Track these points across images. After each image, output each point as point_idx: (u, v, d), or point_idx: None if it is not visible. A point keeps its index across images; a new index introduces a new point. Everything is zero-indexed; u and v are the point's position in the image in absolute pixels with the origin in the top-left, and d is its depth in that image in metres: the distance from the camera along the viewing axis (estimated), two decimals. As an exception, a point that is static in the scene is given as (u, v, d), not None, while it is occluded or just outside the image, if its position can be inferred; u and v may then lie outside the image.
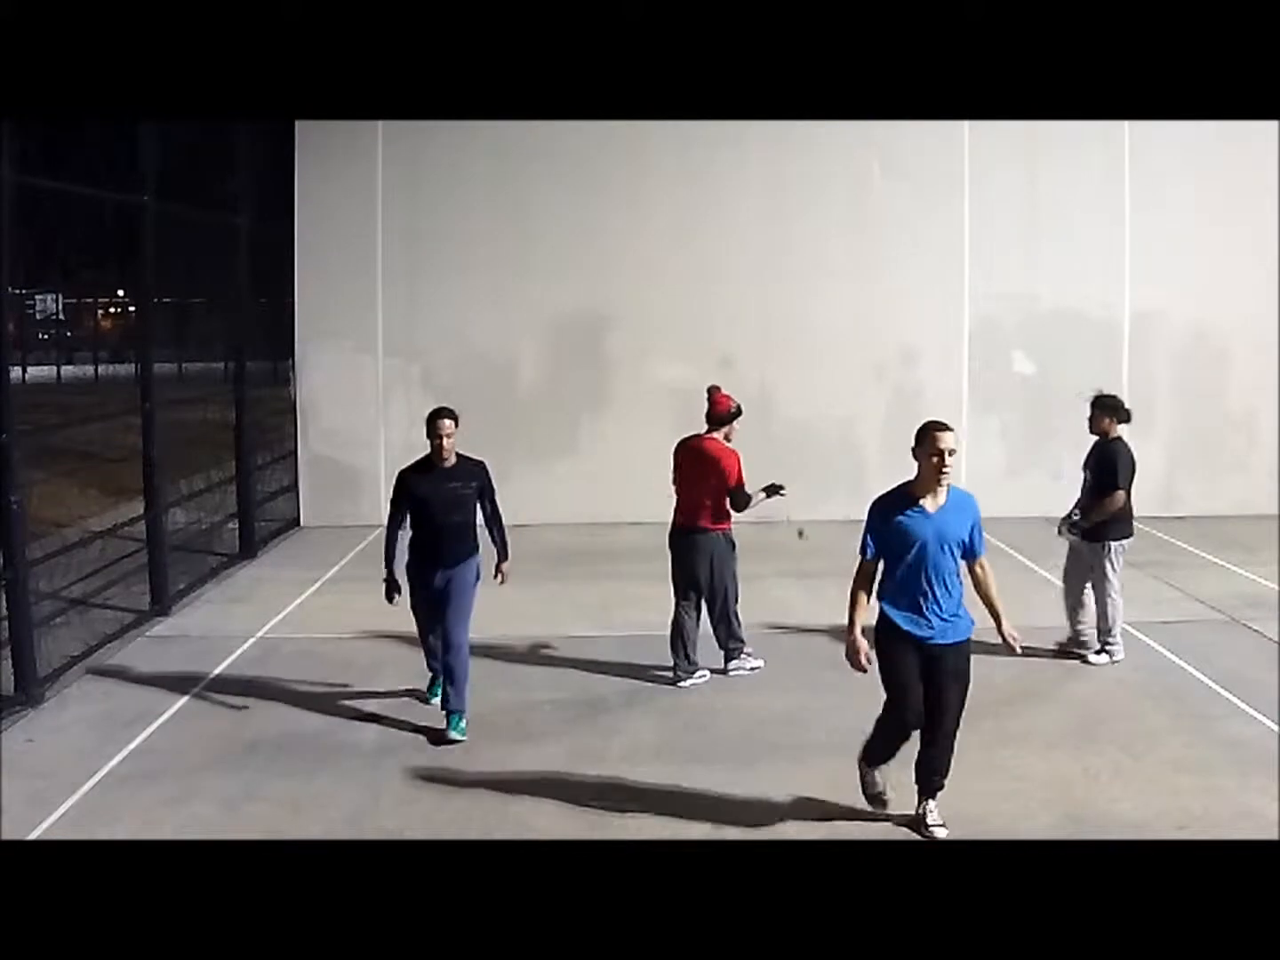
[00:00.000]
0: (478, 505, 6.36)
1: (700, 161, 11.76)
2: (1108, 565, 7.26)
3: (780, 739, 6.19)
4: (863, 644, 4.89)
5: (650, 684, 7.10)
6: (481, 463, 6.36)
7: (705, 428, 7.02)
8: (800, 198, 11.87)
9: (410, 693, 6.86)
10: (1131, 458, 7.25)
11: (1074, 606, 7.50)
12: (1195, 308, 11.90)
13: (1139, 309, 12.01)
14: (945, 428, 4.79)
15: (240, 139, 10.61)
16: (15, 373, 7.51)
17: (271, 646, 7.89)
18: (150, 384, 8.70)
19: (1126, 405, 7.38)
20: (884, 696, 5.16)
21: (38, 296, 26.67)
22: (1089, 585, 7.40)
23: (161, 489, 8.79)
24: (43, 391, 18.60)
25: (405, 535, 6.34)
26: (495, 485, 6.41)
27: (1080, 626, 7.48)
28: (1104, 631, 7.37)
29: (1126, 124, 11.42)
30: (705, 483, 6.87)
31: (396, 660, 7.41)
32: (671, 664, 7.05)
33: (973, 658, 8.10)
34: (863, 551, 4.97)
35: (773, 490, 7.04)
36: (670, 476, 7.13)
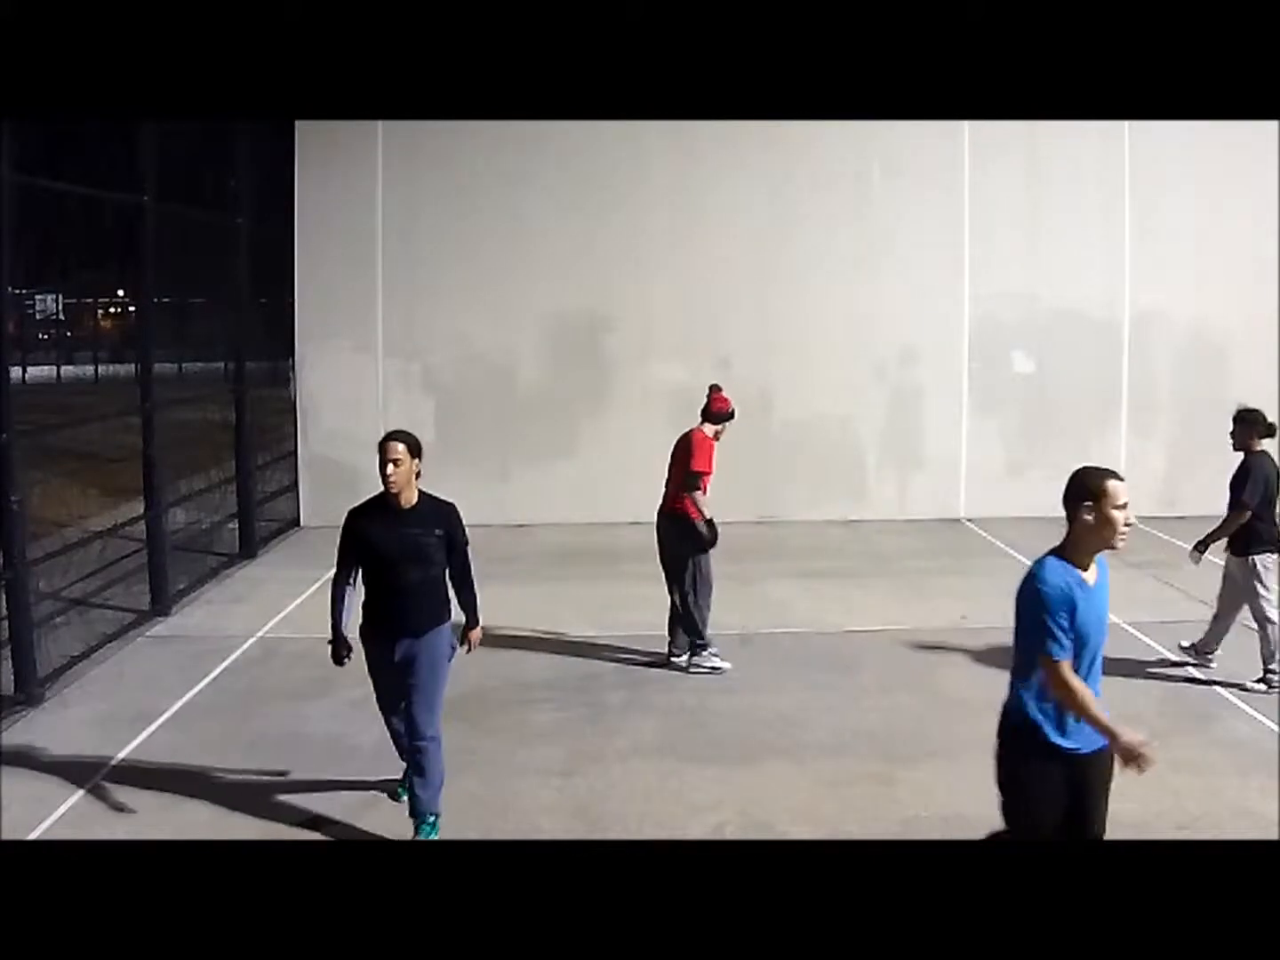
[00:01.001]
0: (446, 559, 5.11)
1: (700, 161, 11.76)
2: (1255, 582, 6.89)
3: (780, 739, 6.20)
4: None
5: (650, 684, 7.10)
6: (451, 505, 5.08)
7: (699, 421, 7.33)
8: (800, 198, 11.87)
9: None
10: (1266, 473, 6.89)
11: (1219, 622, 7.18)
12: (1195, 308, 11.91)
13: (1139, 309, 12.02)
14: (1120, 477, 3.77)
15: (240, 139, 10.61)
16: (15, 373, 7.51)
17: (271, 646, 7.89)
18: (150, 384, 8.70)
19: (1270, 419, 7.00)
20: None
21: (38, 296, 26.67)
22: (1243, 608, 7.03)
23: (161, 489, 8.80)
24: (43, 391, 18.62)
25: (359, 594, 5.17)
26: (467, 535, 5.16)
27: (1210, 645, 7.14)
28: (1266, 659, 6.91)
29: (1126, 124, 11.43)
30: (681, 469, 7.22)
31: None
32: (667, 653, 7.39)
33: (965, 658, 8.12)
34: (1057, 650, 3.66)
35: (711, 531, 7.21)
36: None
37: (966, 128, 11.67)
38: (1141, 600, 8.73)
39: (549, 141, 11.47)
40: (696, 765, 5.84)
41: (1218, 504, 12.01)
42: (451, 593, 5.19)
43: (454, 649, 5.16)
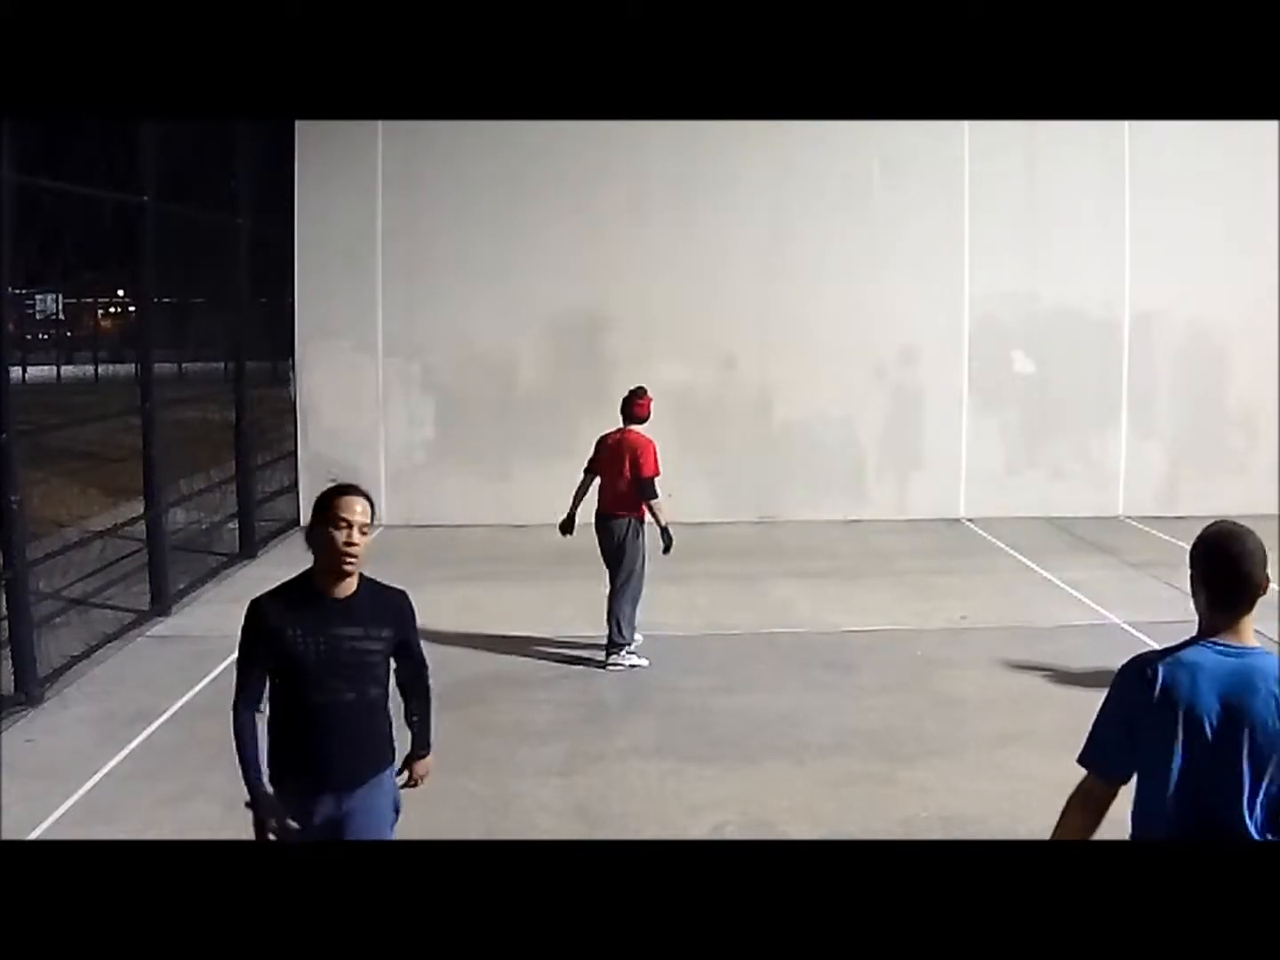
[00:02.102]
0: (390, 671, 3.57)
1: (700, 161, 11.76)
2: None
3: (780, 739, 6.20)
4: None
5: (650, 684, 7.10)
6: (401, 594, 3.59)
7: (622, 423, 7.53)
8: (800, 198, 11.87)
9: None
10: None
11: None
12: (1195, 308, 11.91)
13: (1139, 309, 12.02)
14: None
15: (240, 139, 10.61)
16: (15, 373, 7.52)
17: (271, 646, 7.88)
18: (150, 384, 8.71)
19: None
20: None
21: (38, 296, 26.66)
22: None
23: (161, 489, 8.79)
24: (43, 391, 18.63)
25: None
26: (417, 629, 3.64)
27: None
28: None
29: (1126, 124, 11.43)
30: (628, 471, 7.35)
31: (396, 660, 7.40)
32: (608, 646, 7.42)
33: (965, 658, 8.10)
34: None
35: (668, 535, 7.35)
36: (586, 465, 7.74)
37: (966, 128, 11.67)
38: (1142, 600, 8.73)
39: (549, 142, 11.46)
40: (696, 765, 5.84)
41: (1217, 504, 12.03)
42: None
43: (398, 811, 3.60)
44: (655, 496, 7.29)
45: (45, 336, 30.45)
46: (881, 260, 11.86)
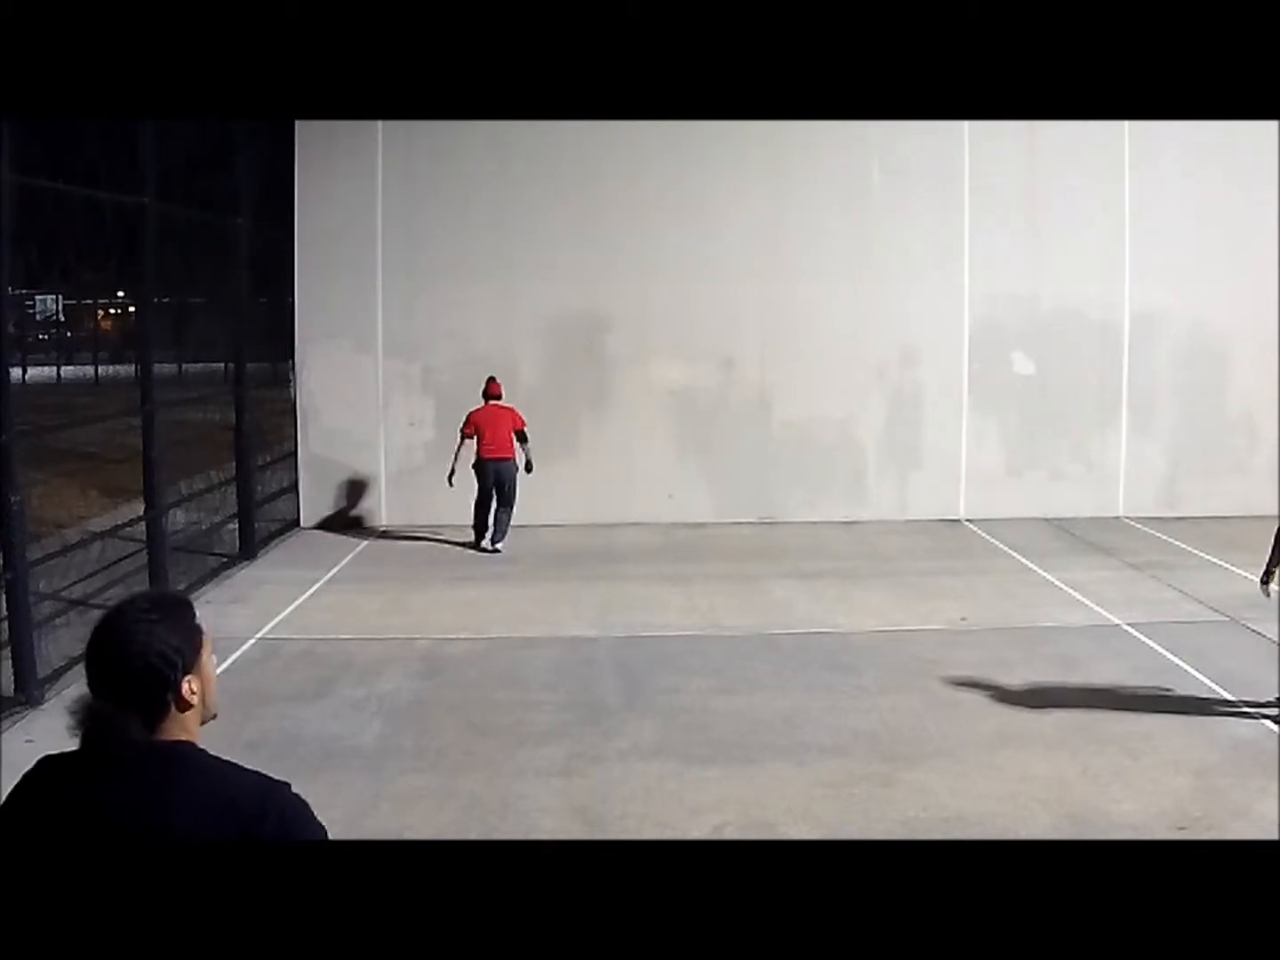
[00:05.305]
0: None
1: (700, 161, 11.77)
2: None
3: (780, 739, 6.20)
4: None
5: (650, 684, 7.09)
6: (283, 786, 2.19)
7: (485, 401, 10.70)
8: (800, 198, 11.87)
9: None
10: None
11: None
12: (1195, 308, 11.91)
13: (1139, 309, 12.02)
14: None
15: (240, 139, 10.61)
16: (15, 373, 7.52)
17: (272, 647, 7.89)
18: (150, 385, 8.71)
19: None
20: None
21: (38, 297, 26.67)
22: None
23: (161, 489, 8.79)
24: (43, 392, 18.63)
25: None
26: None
27: None
28: None
29: (1126, 124, 11.43)
30: (508, 430, 10.63)
31: (396, 660, 7.42)
32: (480, 537, 10.74)
33: (965, 658, 8.11)
34: None
35: (530, 465, 10.92)
36: (465, 432, 10.56)
37: (966, 128, 11.67)
38: (1141, 601, 8.74)
39: (549, 141, 11.47)
40: (696, 765, 5.85)
41: (1217, 504, 12.02)
42: None
43: None
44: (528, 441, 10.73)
45: (45, 337, 30.49)
46: (881, 260, 11.86)
